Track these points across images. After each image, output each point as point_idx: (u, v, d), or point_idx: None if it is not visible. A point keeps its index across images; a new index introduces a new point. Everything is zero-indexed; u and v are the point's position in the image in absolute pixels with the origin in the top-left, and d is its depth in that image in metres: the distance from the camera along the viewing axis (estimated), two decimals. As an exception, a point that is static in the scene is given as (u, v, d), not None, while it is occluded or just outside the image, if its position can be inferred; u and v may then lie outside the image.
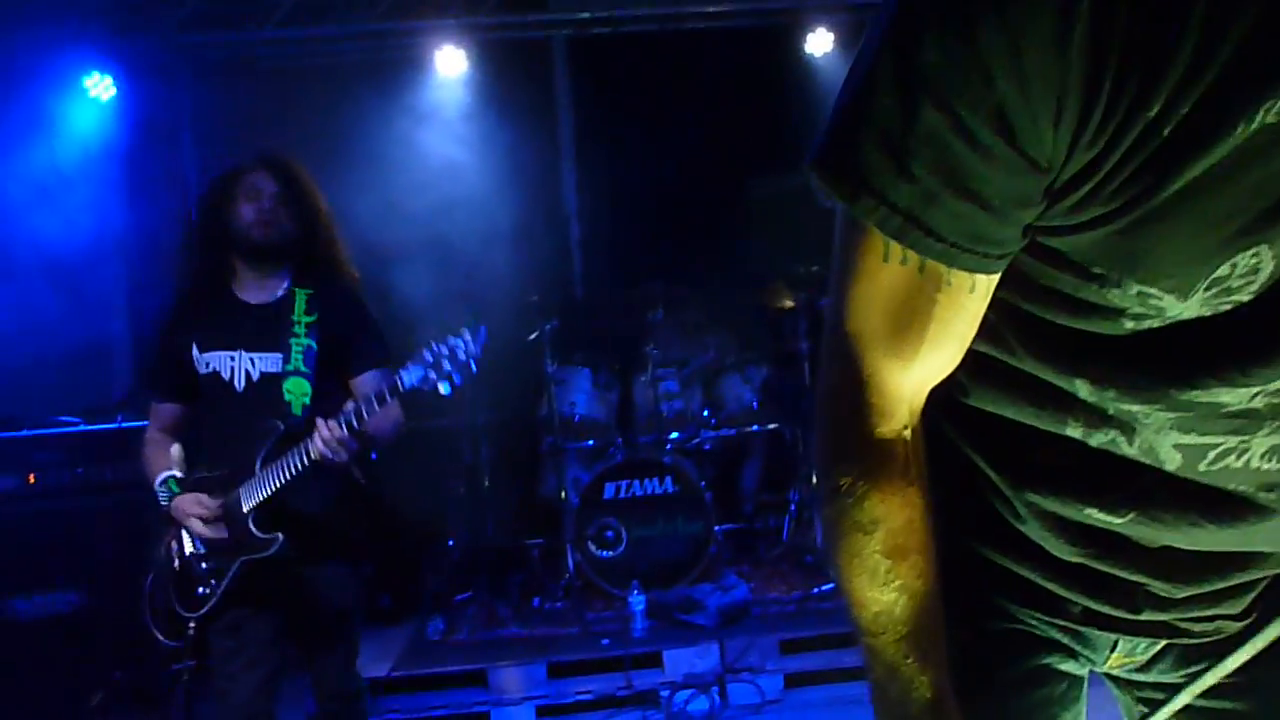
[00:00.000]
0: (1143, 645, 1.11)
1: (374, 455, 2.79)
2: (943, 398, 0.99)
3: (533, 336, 5.19)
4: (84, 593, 3.94)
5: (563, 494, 5.05)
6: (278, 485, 2.67)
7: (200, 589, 2.76)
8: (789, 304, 5.51)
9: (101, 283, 5.65)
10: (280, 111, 5.85)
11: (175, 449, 2.86)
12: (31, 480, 4.00)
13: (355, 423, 2.61)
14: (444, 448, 5.73)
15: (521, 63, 6.42)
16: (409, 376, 2.65)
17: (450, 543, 5.40)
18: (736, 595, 4.51)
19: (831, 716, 3.86)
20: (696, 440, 5.21)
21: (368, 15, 5.86)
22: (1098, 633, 1.10)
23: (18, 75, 5.29)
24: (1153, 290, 0.79)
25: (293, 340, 2.79)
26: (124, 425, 4.11)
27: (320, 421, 2.59)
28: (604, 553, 4.82)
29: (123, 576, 3.83)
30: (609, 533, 4.83)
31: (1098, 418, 0.93)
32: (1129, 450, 0.94)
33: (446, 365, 2.66)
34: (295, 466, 2.65)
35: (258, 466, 2.71)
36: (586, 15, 6.08)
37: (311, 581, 2.84)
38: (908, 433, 0.94)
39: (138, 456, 2.97)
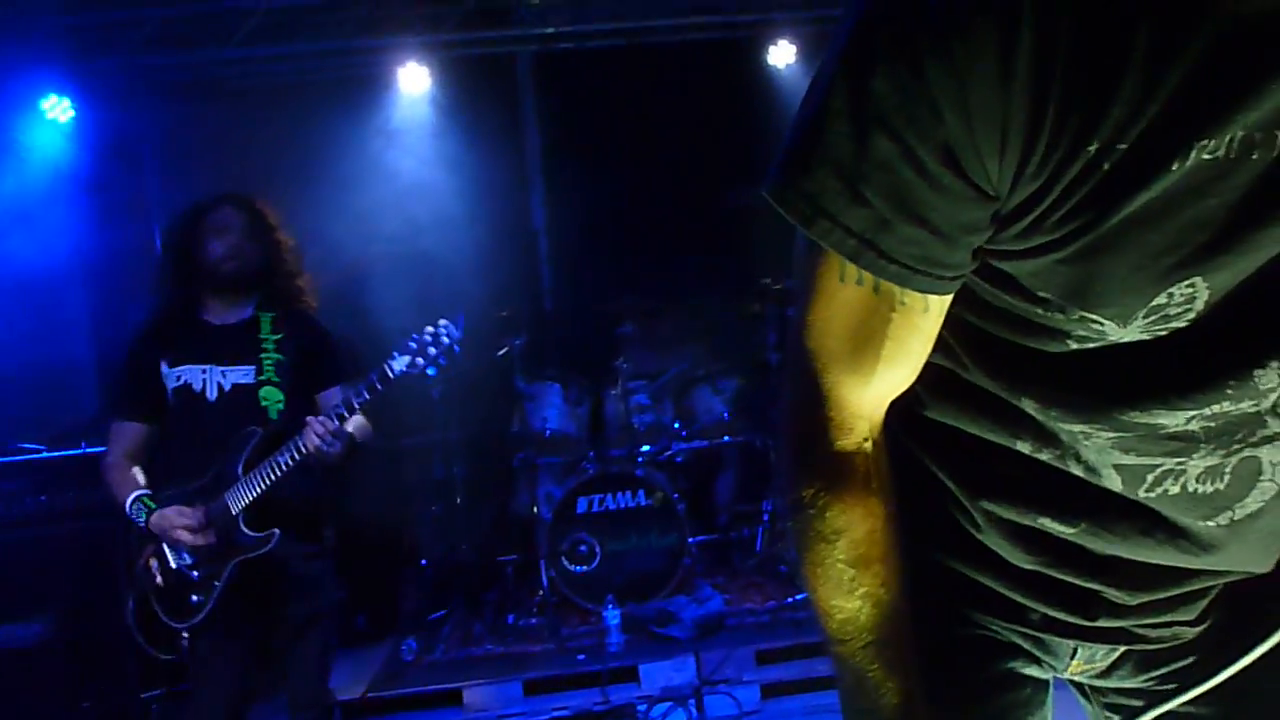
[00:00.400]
0: (1101, 652, 1.13)
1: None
2: (903, 410, 1.02)
3: (502, 352, 5.18)
4: (50, 622, 3.87)
5: (535, 509, 5.04)
6: (266, 485, 2.78)
7: (194, 597, 2.83)
8: (758, 315, 5.53)
9: (65, 307, 5.58)
10: (243, 132, 5.81)
11: (138, 471, 2.93)
12: (-6, 509, 3.94)
13: (346, 413, 2.77)
14: (416, 466, 5.70)
15: (487, 79, 6.42)
16: (397, 364, 2.80)
17: (424, 561, 5.37)
18: (711, 607, 4.51)
19: (809, 726, 3.87)
20: (669, 453, 5.21)
21: (331, 34, 5.84)
22: (1057, 639, 1.12)
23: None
24: (1094, 316, 0.82)
25: (263, 355, 2.93)
26: (88, 451, 4.05)
27: (312, 419, 2.74)
28: (578, 568, 4.81)
29: (89, 605, 3.78)
30: (583, 547, 4.82)
31: (1044, 435, 0.96)
32: (1074, 469, 0.97)
33: (432, 350, 2.83)
34: (284, 465, 2.76)
35: (240, 470, 2.82)
36: (551, 30, 6.09)
37: (300, 575, 2.95)
38: (868, 445, 0.97)
39: (101, 482, 3.01)
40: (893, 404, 0.99)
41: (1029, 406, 0.95)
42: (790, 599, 4.65)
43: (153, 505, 2.84)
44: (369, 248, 5.69)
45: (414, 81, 6.04)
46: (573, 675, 4.20)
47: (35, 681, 3.81)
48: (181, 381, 2.91)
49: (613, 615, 4.41)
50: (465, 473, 5.28)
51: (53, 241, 5.19)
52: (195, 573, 2.85)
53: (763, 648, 4.22)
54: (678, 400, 5.48)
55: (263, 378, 2.91)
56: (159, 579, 2.89)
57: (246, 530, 2.81)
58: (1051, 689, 1.18)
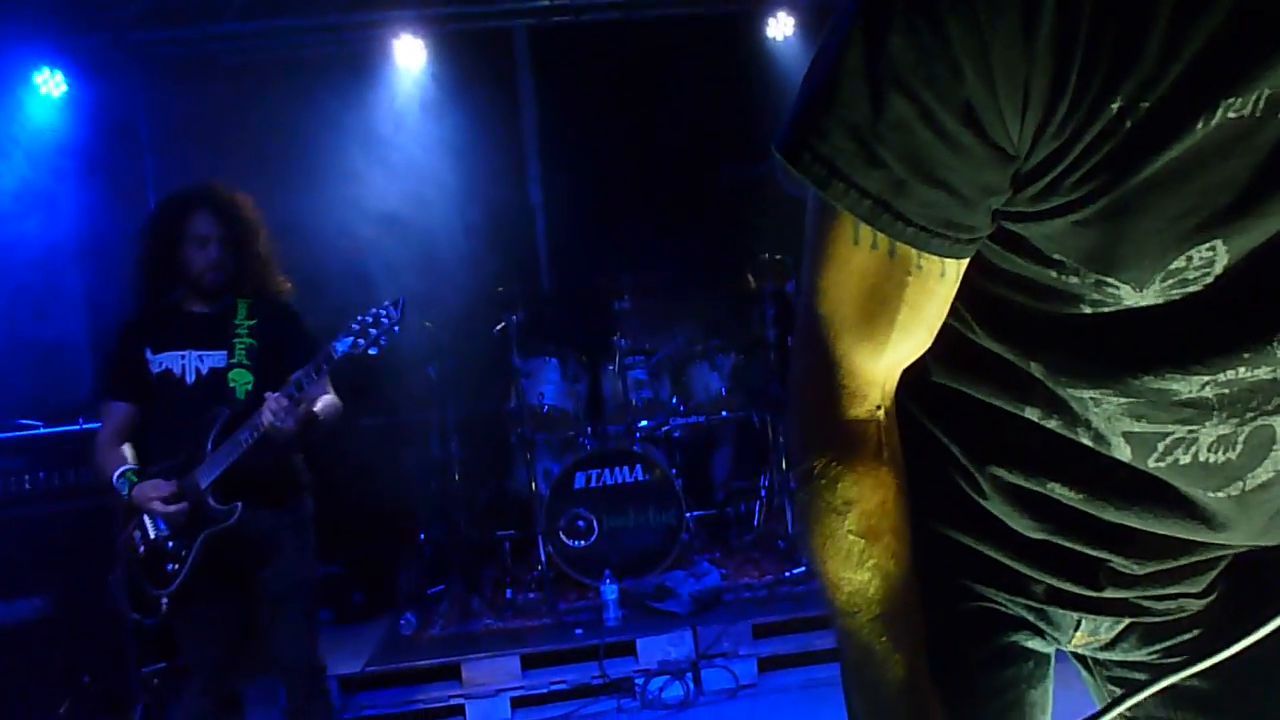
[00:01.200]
0: (1106, 624, 1.12)
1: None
2: (908, 375, 1.00)
3: (499, 329, 5.17)
4: (49, 598, 3.88)
5: (533, 485, 5.05)
6: (231, 461, 2.96)
7: (170, 565, 3.01)
8: (756, 290, 5.53)
9: (60, 284, 5.56)
10: (239, 108, 5.78)
11: (127, 448, 3.10)
12: (-7, 485, 3.94)
13: (296, 391, 2.91)
14: (414, 442, 5.71)
15: (483, 53, 6.37)
16: (340, 345, 2.95)
17: (422, 537, 5.38)
18: (709, 582, 4.53)
19: (805, 699, 3.89)
20: (666, 428, 5.22)
21: (325, 8, 5.79)
22: (1061, 611, 1.11)
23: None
24: (1110, 279, 0.81)
25: (236, 340, 3.13)
26: (85, 427, 4.05)
27: (269, 395, 2.90)
28: (576, 543, 4.82)
29: (88, 580, 3.78)
30: (580, 523, 4.83)
31: (1053, 402, 0.95)
32: (1083, 437, 0.96)
33: (372, 331, 2.96)
34: (245, 441, 2.94)
35: (209, 448, 2.99)
36: (547, 4, 6.04)
37: (278, 545, 3.10)
38: (881, 414, 0.96)
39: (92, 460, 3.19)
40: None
41: (1038, 372, 0.93)
42: (787, 573, 4.67)
43: (135, 480, 3.01)
44: (364, 223, 5.66)
45: (410, 56, 6.00)
46: (570, 649, 4.22)
47: (35, 657, 3.82)
48: (164, 368, 3.09)
49: (610, 590, 4.42)
50: (463, 450, 5.28)
51: (47, 217, 5.16)
52: (170, 543, 3.03)
53: (759, 622, 4.24)
54: (675, 376, 5.48)
55: (234, 360, 3.09)
56: (141, 549, 3.07)
57: (214, 504, 2.99)
58: (1054, 662, 1.18)
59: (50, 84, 5.56)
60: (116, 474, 3.03)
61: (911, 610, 0.98)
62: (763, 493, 5.43)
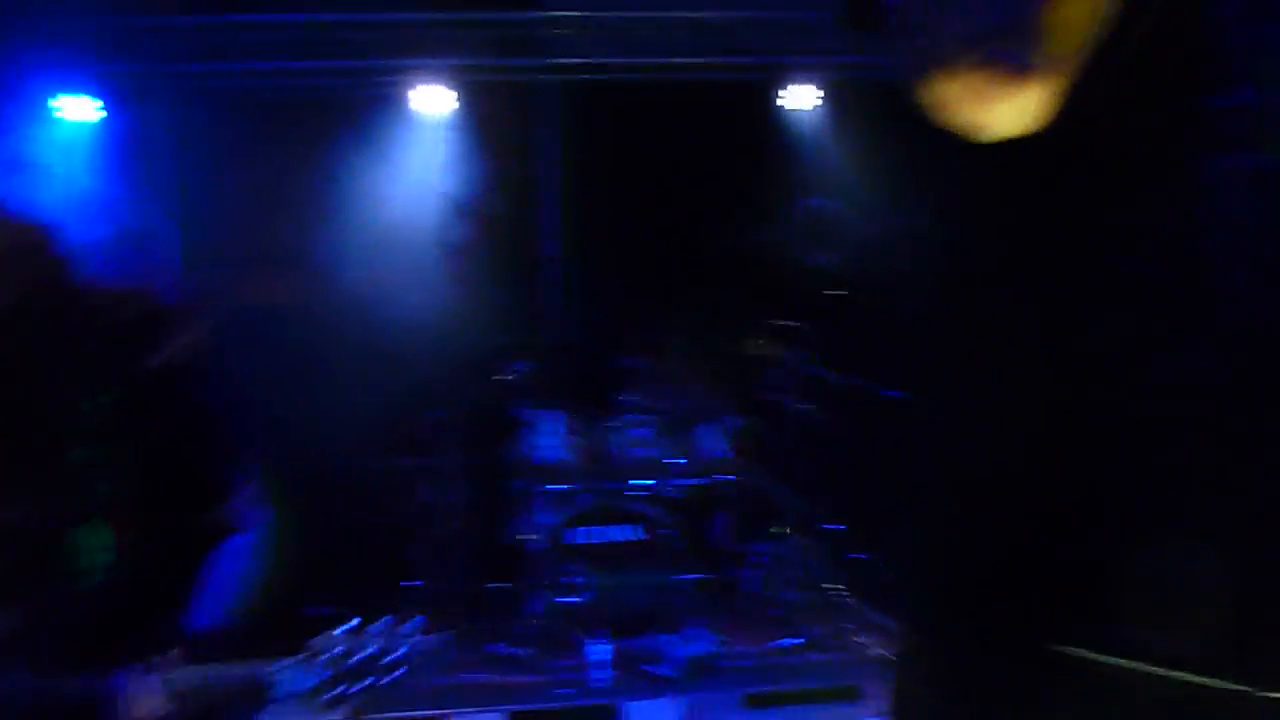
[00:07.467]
0: None
1: None
2: None
3: (504, 379, 5.17)
4: None
5: (530, 538, 5.00)
6: None
7: None
8: (764, 355, 5.52)
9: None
10: (260, 144, 5.82)
11: None
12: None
13: None
14: (414, 487, 5.68)
15: (505, 103, 6.45)
16: None
17: (419, 584, 5.32)
18: (702, 647, 4.46)
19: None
20: (667, 488, 5.18)
21: (354, 52, 5.87)
22: None
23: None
24: None
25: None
26: None
27: None
28: (570, 599, 4.76)
29: None
30: (576, 579, 4.77)
31: None
32: None
33: None
34: None
35: None
36: (573, 61, 6.12)
37: None
38: None
39: None
40: None
41: None
42: (783, 642, 4.60)
43: None
44: (375, 265, 5.67)
45: (433, 104, 6.08)
46: (559, 709, 4.15)
47: None
48: None
49: (602, 650, 4.36)
50: (462, 498, 5.25)
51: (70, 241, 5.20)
52: None
53: (752, 690, 4.16)
54: (680, 436, 5.46)
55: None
56: None
57: None
58: None
59: (82, 109, 5.66)
60: None
61: None
62: (764, 559, 5.37)
